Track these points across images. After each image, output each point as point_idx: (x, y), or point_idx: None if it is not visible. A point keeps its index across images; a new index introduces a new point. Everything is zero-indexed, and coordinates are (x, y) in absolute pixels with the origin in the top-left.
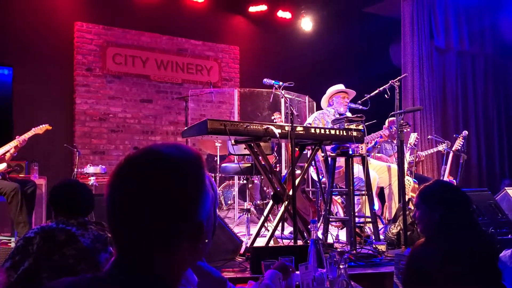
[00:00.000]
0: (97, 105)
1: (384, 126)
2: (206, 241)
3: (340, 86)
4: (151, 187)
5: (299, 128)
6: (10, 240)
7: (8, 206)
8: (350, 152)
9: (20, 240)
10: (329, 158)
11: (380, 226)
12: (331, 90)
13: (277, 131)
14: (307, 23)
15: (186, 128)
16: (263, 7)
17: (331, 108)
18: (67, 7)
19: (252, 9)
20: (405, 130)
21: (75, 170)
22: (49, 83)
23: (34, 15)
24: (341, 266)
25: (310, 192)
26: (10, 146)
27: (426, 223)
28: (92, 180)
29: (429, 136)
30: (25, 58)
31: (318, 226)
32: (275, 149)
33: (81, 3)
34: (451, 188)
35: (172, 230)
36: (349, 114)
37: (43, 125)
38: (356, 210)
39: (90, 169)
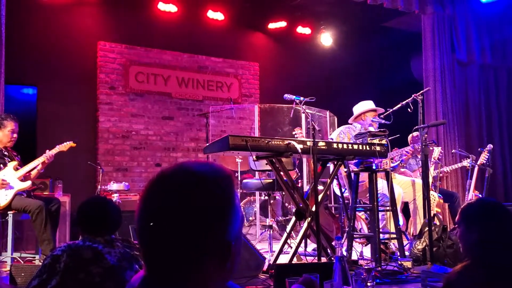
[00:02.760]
0: (120, 123)
1: (411, 144)
2: (235, 261)
3: (372, 104)
4: (181, 203)
5: (321, 143)
6: (35, 257)
7: (33, 224)
8: (374, 167)
9: (47, 258)
10: (352, 174)
11: (405, 242)
12: (366, 107)
13: (298, 146)
14: (326, 39)
15: (207, 144)
16: (282, 24)
17: (358, 123)
18: (90, 27)
19: (272, 25)
20: (431, 148)
21: (99, 187)
22: (72, 101)
23: (58, 35)
24: (368, 284)
25: (333, 208)
26: (39, 161)
27: (465, 243)
28: (115, 197)
29: (453, 150)
30: (49, 77)
31: (342, 242)
32: (297, 164)
33: (104, 23)
34: (488, 207)
35: (200, 247)
36: (372, 129)
37: (67, 142)
38: (380, 226)
39: (113, 186)
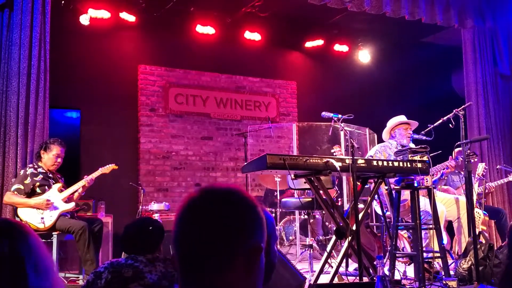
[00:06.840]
0: (160, 144)
1: (450, 157)
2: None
3: (402, 118)
4: (210, 215)
5: (360, 161)
6: (79, 277)
7: (76, 244)
8: (416, 185)
9: (91, 274)
10: (393, 191)
11: (450, 261)
12: (393, 122)
13: (337, 164)
14: (364, 56)
15: (245, 163)
16: (319, 42)
17: (393, 140)
18: (131, 51)
19: (309, 44)
20: (472, 161)
21: (140, 207)
22: (114, 124)
23: (100, 60)
24: None
25: (375, 227)
26: (78, 186)
27: (504, 267)
28: (156, 217)
29: (498, 166)
30: (92, 101)
31: (384, 262)
32: (336, 182)
33: (144, 47)
34: None
35: (229, 251)
36: (412, 145)
37: (110, 165)
38: (423, 244)
39: (154, 206)
